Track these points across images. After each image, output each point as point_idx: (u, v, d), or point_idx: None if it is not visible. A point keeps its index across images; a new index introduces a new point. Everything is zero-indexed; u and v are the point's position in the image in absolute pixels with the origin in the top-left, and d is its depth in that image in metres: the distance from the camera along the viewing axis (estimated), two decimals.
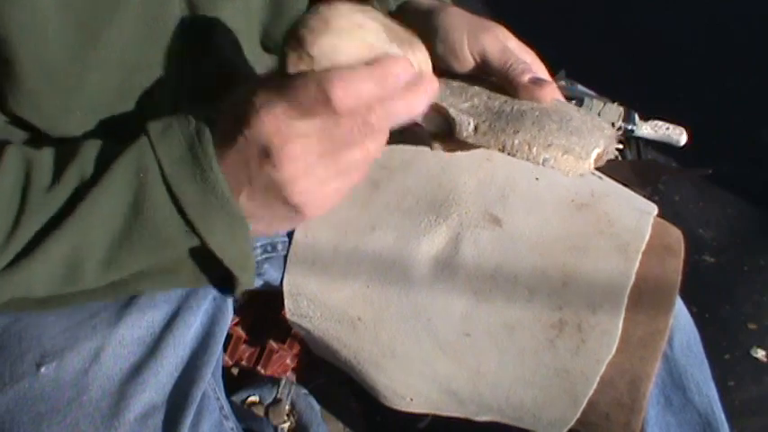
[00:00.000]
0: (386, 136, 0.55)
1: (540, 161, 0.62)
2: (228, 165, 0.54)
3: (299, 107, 0.50)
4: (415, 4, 0.79)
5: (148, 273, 0.65)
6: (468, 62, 0.70)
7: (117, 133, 0.62)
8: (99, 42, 0.59)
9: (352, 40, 0.52)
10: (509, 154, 0.63)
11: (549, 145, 0.62)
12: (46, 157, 0.57)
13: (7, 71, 0.57)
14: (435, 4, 0.76)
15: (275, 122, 0.51)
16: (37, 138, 0.63)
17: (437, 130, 0.66)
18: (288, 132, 0.51)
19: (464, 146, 0.66)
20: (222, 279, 0.73)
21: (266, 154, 0.52)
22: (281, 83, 0.51)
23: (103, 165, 0.55)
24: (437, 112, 0.65)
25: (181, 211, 0.55)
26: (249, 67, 0.72)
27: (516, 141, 0.63)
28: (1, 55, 0.56)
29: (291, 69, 0.51)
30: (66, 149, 0.57)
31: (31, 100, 0.59)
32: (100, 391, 0.68)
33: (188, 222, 0.55)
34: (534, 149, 0.62)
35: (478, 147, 0.65)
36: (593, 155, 0.63)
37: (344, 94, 0.49)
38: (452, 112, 0.65)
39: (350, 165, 0.54)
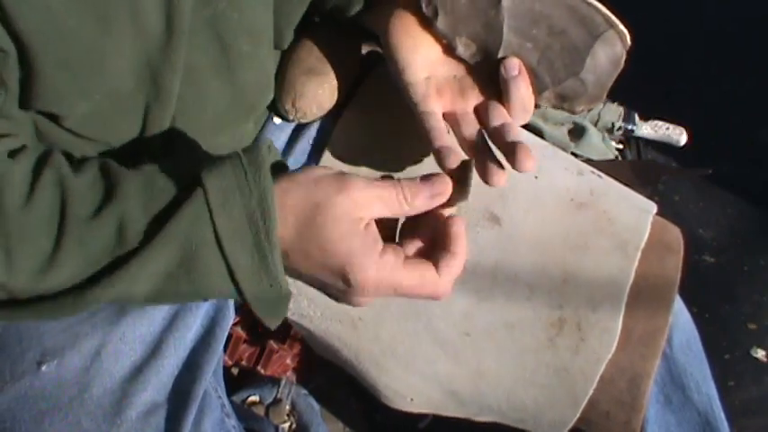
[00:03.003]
0: None
1: None
2: (290, 251, 0.57)
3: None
4: None
5: None
6: None
7: (134, 113, 0.65)
8: (116, 30, 0.59)
9: None
10: None
11: None
12: (80, 183, 0.57)
13: (27, 70, 0.58)
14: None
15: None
16: (48, 126, 0.64)
17: None
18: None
19: None
20: None
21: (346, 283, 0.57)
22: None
23: (151, 215, 0.55)
24: None
25: (232, 276, 0.55)
26: (265, 57, 0.74)
27: None
28: (22, 57, 0.57)
29: None
30: (100, 174, 0.58)
31: (49, 90, 0.60)
32: (101, 388, 0.68)
33: (236, 285, 0.56)
34: None
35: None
36: None
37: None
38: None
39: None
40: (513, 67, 0.68)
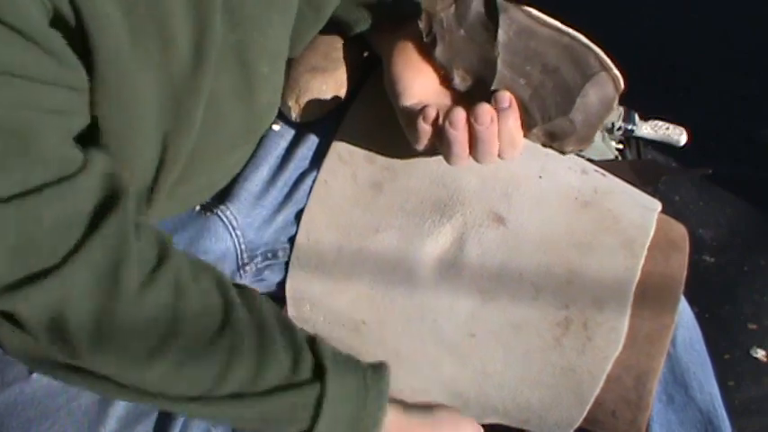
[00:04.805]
0: None
1: None
2: None
3: None
4: None
5: None
6: None
7: (154, 140, 0.64)
8: (146, 60, 0.58)
9: None
10: None
11: None
12: (196, 298, 0.63)
13: (87, 61, 0.56)
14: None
15: None
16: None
17: None
18: None
19: None
20: None
21: None
22: None
23: (261, 387, 0.64)
24: None
25: None
26: (280, 77, 0.75)
27: None
28: (84, 44, 0.55)
29: None
30: (221, 301, 0.64)
31: (105, 89, 0.58)
32: (90, 398, 0.68)
33: None
34: None
35: None
36: None
37: None
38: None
39: None
40: (504, 99, 0.69)
